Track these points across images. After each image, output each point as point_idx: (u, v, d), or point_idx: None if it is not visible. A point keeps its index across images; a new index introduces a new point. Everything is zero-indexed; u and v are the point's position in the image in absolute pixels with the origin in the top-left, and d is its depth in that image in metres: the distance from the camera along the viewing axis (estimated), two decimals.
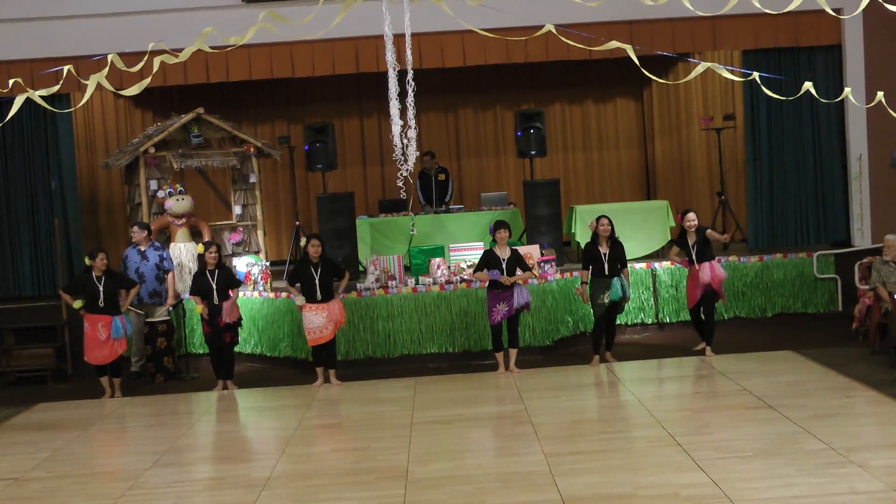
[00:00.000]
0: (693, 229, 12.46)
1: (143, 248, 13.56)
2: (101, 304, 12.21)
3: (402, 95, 9.14)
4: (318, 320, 12.04)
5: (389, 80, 9.14)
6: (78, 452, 9.87)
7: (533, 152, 15.56)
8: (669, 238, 14.97)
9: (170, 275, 13.66)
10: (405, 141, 9.16)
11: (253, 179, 15.29)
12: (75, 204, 15.78)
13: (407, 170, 9.29)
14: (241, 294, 13.06)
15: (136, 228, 13.71)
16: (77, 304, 12.36)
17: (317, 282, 12.05)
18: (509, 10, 11.08)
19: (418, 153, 9.47)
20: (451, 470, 8.37)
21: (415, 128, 9.21)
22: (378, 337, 13.21)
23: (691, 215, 12.55)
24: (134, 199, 15.13)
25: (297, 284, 12.18)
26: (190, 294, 12.83)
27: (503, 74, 18.84)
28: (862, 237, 15.46)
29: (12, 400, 12.58)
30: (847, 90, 11.61)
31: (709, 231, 12.52)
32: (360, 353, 13.19)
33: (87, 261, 12.41)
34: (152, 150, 14.75)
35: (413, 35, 9.53)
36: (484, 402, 11.01)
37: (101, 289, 12.20)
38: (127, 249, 13.71)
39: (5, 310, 14.80)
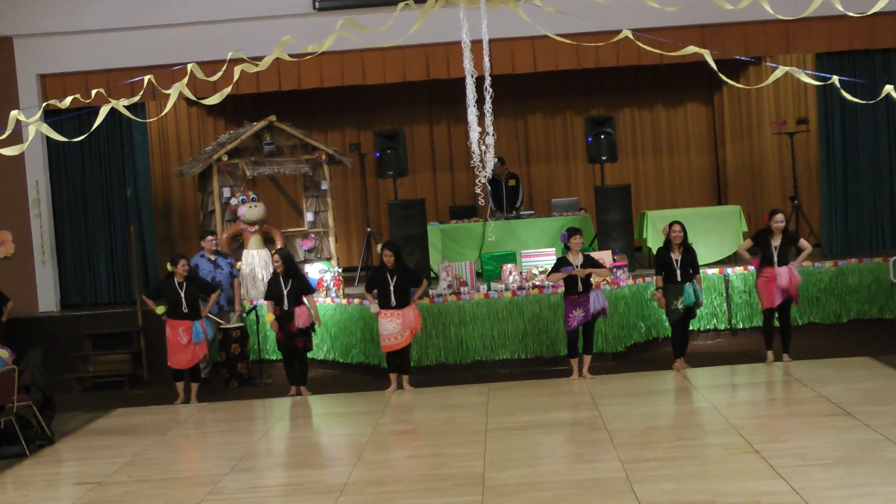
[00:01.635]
0: (780, 230, 12.32)
1: (212, 257, 13.71)
2: (184, 309, 12.39)
3: (480, 102, 9.15)
4: (393, 327, 12.07)
5: (467, 86, 9.16)
6: (157, 457, 10.01)
7: (604, 158, 15.49)
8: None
9: (237, 281, 13.82)
10: (483, 147, 9.18)
11: (324, 186, 15.40)
12: (150, 211, 16.02)
13: (486, 176, 9.31)
14: (315, 300, 13.12)
15: (211, 237, 13.86)
16: (160, 309, 12.55)
17: (391, 288, 12.09)
18: (583, 14, 11.05)
19: (494, 159, 9.47)
20: (526, 476, 8.36)
21: (493, 134, 9.22)
22: (450, 343, 13.22)
23: (780, 216, 12.39)
24: (207, 206, 15.30)
25: (375, 291, 12.23)
26: (264, 299, 12.95)
27: (572, 80, 18.82)
28: None
29: (91, 405, 12.79)
30: None
31: (802, 241, 12.39)
32: (432, 360, 13.22)
33: (168, 267, 12.58)
34: (225, 158, 14.92)
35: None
36: (558, 408, 10.98)
37: (182, 294, 12.38)
38: (194, 259, 13.79)
39: (83, 316, 15.09)
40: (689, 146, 19.78)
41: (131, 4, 15.15)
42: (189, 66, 9.01)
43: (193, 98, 9.86)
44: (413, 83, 16.48)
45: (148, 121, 14.82)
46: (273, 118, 15.12)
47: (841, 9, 8.66)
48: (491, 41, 9.87)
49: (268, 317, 12.53)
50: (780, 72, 9.93)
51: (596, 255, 13.07)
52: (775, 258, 12.28)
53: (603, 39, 11.83)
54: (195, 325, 12.41)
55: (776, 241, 12.30)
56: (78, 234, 15.95)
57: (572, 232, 12.16)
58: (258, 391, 13.19)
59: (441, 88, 18.03)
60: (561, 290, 12.40)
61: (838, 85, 10.33)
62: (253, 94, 16.36)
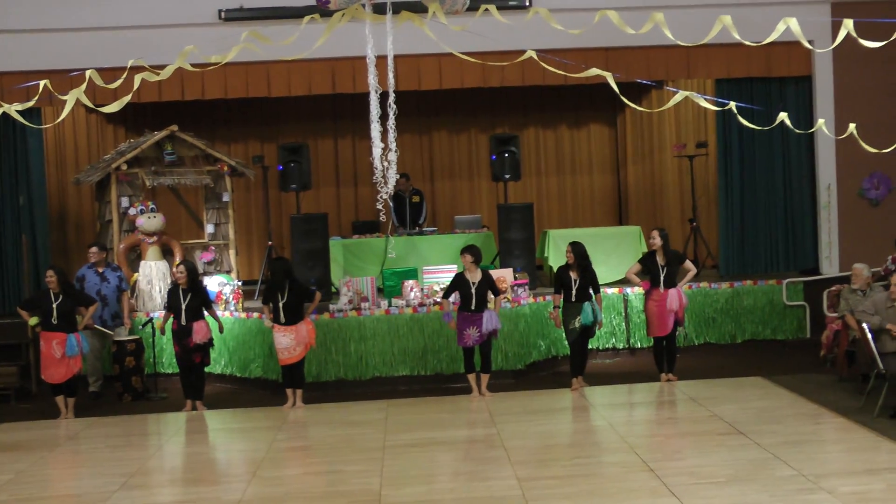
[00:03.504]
0: (658, 247, 12.44)
1: (100, 270, 13.48)
2: (54, 321, 12.10)
3: (383, 118, 9.14)
4: (287, 341, 12.00)
5: (371, 102, 9.14)
6: (42, 474, 9.75)
7: (507, 176, 15.57)
8: None
9: (125, 294, 13.61)
10: (385, 164, 9.16)
11: (226, 198, 15.24)
12: (44, 220, 15.62)
13: (387, 192, 9.28)
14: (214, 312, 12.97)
15: (95, 249, 13.61)
16: (32, 321, 12.21)
17: (280, 305, 12.02)
18: (489, 34, 11.11)
19: (396, 175, 9.46)
20: (423, 494, 8.35)
21: (396, 150, 9.21)
22: (350, 359, 13.16)
23: (654, 232, 12.54)
24: (104, 216, 15.02)
25: (270, 305, 12.14)
26: (163, 310, 12.75)
27: (478, 98, 18.91)
28: (830, 265, 15.58)
29: None
30: (821, 122, 11.75)
31: (687, 262, 12.53)
32: (331, 375, 13.15)
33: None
34: (124, 167, 14.68)
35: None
36: (456, 425, 10.99)
37: (55, 306, 12.10)
38: (82, 270, 13.58)
39: None
40: (592, 166, 20.01)
41: (30, 7, 14.78)
42: (88, 73, 8.85)
43: (91, 105, 9.67)
44: (318, 97, 16.40)
45: (43, 127, 14.50)
46: (175, 128, 14.92)
47: (737, 37, 8.84)
48: (397, 57, 9.87)
49: (158, 323, 12.30)
50: (679, 96, 10.11)
51: (497, 273, 13.15)
52: (661, 279, 12.41)
53: (509, 59, 11.91)
54: (70, 339, 12.09)
55: (661, 261, 12.42)
56: None
57: (462, 251, 12.23)
58: (153, 405, 12.96)
59: (347, 103, 17.98)
60: None
61: (735, 111, 10.53)
62: (155, 103, 16.10)
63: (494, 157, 15.61)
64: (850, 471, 8.51)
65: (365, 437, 10.46)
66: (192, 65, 9.96)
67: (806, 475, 8.22)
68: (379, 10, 9.12)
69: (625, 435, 9.97)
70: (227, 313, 13.77)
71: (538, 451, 9.65)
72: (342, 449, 10.07)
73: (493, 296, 12.25)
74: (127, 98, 9.22)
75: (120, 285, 13.58)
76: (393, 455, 9.61)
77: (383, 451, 9.74)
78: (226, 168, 15.11)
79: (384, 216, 10.04)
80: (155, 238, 14.55)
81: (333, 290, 14.77)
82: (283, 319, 12.00)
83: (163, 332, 12.54)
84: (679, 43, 9.67)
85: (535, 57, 9.87)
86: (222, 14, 14.77)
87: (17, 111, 8.98)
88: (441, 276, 13.77)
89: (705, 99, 10.09)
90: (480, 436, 10.36)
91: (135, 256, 14.68)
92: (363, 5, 8.78)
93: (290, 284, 12.08)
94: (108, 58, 13.30)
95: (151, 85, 13.65)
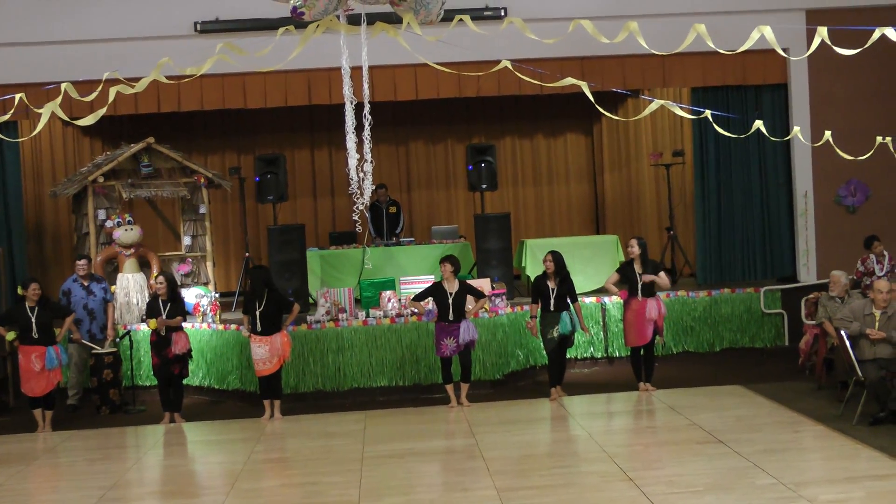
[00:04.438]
0: (637, 256, 12.43)
1: (86, 283, 13.41)
2: (34, 334, 12.02)
3: (359, 129, 9.12)
4: (262, 352, 11.97)
5: (346, 113, 9.11)
6: (19, 488, 9.69)
7: (484, 186, 15.56)
8: None
9: (110, 305, 13.55)
10: (361, 174, 9.14)
11: (203, 210, 15.20)
12: (21, 233, 15.52)
13: (363, 203, 9.27)
14: (189, 326, 12.92)
15: (84, 262, 13.54)
16: (10, 335, 12.11)
17: (258, 314, 11.98)
18: (463, 44, 11.12)
19: (373, 186, 9.44)
20: None
21: (371, 161, 9.19)
22: (328, 370, 13.13)
23: (632, 241, 12.53)
24: (81, 228, 14.96)
25: (249, 315, 12.10)
26: (145, 318, 12.68)
27: (454, 108, 18.93)
28: (808, 273, 15.63)
29: None
30: (796, 129, 11.80)
31: (662, 274, 12.53)
32: (309, 387, 13.11)
33: (19, 290, 12.24)
34: (101, 180, 14.63)
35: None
36: (435, 436, 10.98)
37: (33, 319, 12.02)
38: (67, 283, 13.51)
39: None
40: (569, 176, 20.06)
41: (5, 20, 14.72)
42: (63, 86, 8.81)
43: (66, 118, 9.64)
44: (295, 108, 16.38)
45: (20, 140, 14.43)
46: (151, 140, 14.89)
47: (712, 45, 8.86)
48: (373, 68, 9.86)
49: (152, 323, 12.20)
50: (654, 105, 10.13)
51: (474, 282, 13.13)
52: (639, 287, 12.40)
53: (484, 69, 11.92)
54: (49, 351, 12.03)
55: (639, 270, 12.41)
56: None
57: (442, 260, 12.22)
58: (131, 418, 12.90)
59: (323, 114, 17.97)
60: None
61: (710, 119, 10.57)
62: (132, 115, 16.05)
63: (471, 167, 15.61)
64: (829, 479, 8.52)
65: (343, 448, 10.43)
66: (169, 77, 9.94)
67: (785, 483, 8.23)
68: (354, 21, 9.11)
69: (603, 444, 9.97)
70: (204, 325, 13.72)
71: (517, 461, 9.64)
72: (320, 460, 10.05)
73: (476, 299, 12.27)
74: (102, 111, 9.18)
75: (105, 297, 13.52)
76: (371, 466, 9.59)
77: (361, 463, 9.71)
78: (202, 180, 15.07)
79: (360, 227, 10.02)
80: (132, 250, 14.49)
81: (311, 301, 14.74)
82: (259, 328, 11.96)
83: (160, 325, 12.22)
84: (654, 52, 9.71)
85: (510, 66, 9.88)
86: (198, 26, 14.73)
87: None
88: (418, 286, 13.71)
89: (680, 107, 10.11)
90: (459, 446, 10.35)
91: (112, 269, 14.62)
92: (338, 16, 8.76)
93: (268, 293, 12.05)
94: (84, 71, 13.18)
95: (128, 97, 13.60)
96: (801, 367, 12.80)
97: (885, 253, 13.69)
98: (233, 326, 13.34)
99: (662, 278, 12.48)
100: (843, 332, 10.49)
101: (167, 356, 12.13)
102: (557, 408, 11.97)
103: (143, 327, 12.70)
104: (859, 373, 10.34)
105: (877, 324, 10.40)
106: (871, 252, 13.67)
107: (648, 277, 12.32)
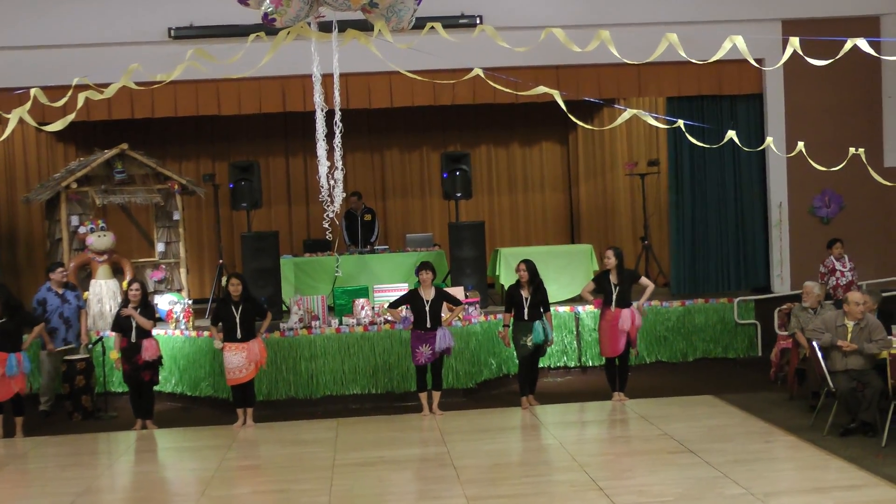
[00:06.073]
0: (613, 266, 12.42)
1: (60, 291, 13.32)
2: None
3: (330, 136, 9.09)
4: (238, 360, 11.92)
5: (317, 120, 9.08)
6: None
7: (458, 194, 15.54)
8: None
9: (83, 312, 13.49)
10: (332, 182, 9.11)
11: (176, 217, 15.15)
12: None
13: (333, 211, 9.23)
14: (162, 332, 12.86)
15: (62, 270, 13.45)
16: None
17: (237, 320, 11.94)
18: (437, 52, 11.11)
19: (345, 194, 9.41)
20: None
21: (342, 169, 9.16)
22: (301, 377, 13.09)
23: (609, 252, 12.48)
24: (54, 234, 14.89)
25: (219, 324, 12.05)
26: (111, 330, 12.62)
27: (430, 116, 18.94)
28: (781, 283, 15.69)
29: None
30: (769, 140, 11.83)
31: (643, 279, 12.53)
32: (282, 394, 13.07)
33: None
34: (74, 186, 14.56)
35: (340, 75, 9.47)
36: (407, 444, 10.95)
37: None
38: (42, 293, 13.35)
39: None
40: (544, 184, 20.08)
41: None
42: (32, 91, 8.75)
43: (34, 124, 9.57)
44: (269, 115, 16.36)
45: None
46: (125, 146, 14.83)
47: (683, 55, 8.89)
48: (348, 76, 9.88)
49: (112, 354, 12.20)
50: (627, 114, 10.15)
51: (449, 290, 13.11)
52: (613, 297, 12.39)
53: (458, 77, 11.91)
54: (10, 358, 11.89)
55: (615, 280, 12.40)
56: None
57: (421, 266, 12.21)
58: (103, 424, 12.82)
59: (297, 121, 17.95)
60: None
61: (683, 129, 10.59)
62: (105, 121, 15.97)
63: (446, 174, 15.59)
64: (799, 489, 8.55)
65: (315, 455, 10.40)
66: (140, 83, 9.90)
67: (755, 493, 8.25)
68: (325, 28, 9.09)
69: (575, 453, 9.97)
70: (177, 332, 13.67)
71: (488, 469, 9.63)
72: (292, 468, 10.01)
73: (454, 306, 12.26)
74: (71, 117, 9.11)
75: (79, 304, 13.45)
76: (342, 474, 9.56)
77: (332, 470, 9.68)
78: (176, 186, 15.02)
79: (330, 235, 9.99)
80: (105, 257, 14.43)
81: (284, 308, 14.70)
82: (239, 335, 11.92)
83: (118, 366, 12.28)
84: (626, 61, 9.72)
85: (482, 75, 9.88)
86: (172, 32, 14.67)
87: None
88: (392, 294, 13.70)
89: (653, 117, 10.13)
90: (431, 454, 10.33)
91: (85, 275, 14.55)
92: (309, 23, 8.74)
93: (244, 299, 12.02)
94: (57, 76, 13.13)
95: (101, 103, 13.54)
96: (773, 377, 12.83)
97: (845, 255, 14.01)
98: (206, 333, 13.28)
99: (647, 287, 12.51)
100: (814, 343, 10.52)
101: (137, 363, 12.06)
102: (529, 417, 11.97)
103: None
104: (830, 384, 10.37)
105: (849, 335, 10.43)
106: (831, 253, 13.94)
107: (642, 304, 12.41)
